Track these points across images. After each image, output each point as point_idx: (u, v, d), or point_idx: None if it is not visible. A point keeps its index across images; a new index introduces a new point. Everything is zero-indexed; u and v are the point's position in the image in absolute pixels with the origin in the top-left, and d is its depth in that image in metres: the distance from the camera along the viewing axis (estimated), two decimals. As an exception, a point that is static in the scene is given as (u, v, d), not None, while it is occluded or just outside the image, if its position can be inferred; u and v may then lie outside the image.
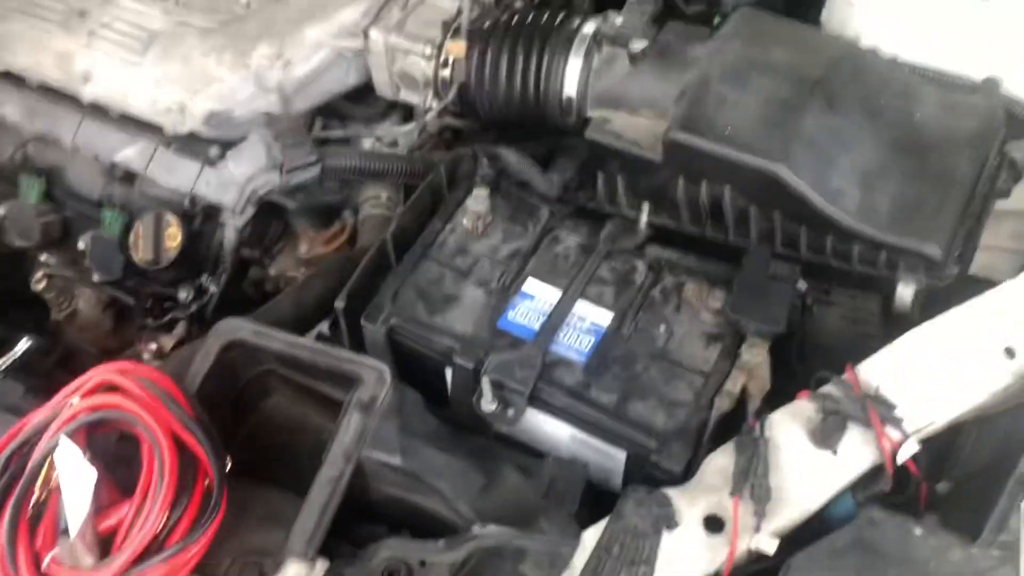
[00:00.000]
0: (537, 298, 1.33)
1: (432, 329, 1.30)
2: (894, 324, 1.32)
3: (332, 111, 1.68)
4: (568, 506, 1.15)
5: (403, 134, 1.63)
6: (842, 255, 1.31)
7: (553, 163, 1.58)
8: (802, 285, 1.27)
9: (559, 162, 1.58)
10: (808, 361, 1.35)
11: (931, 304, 1.28)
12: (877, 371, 1.18)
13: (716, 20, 1.52)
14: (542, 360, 1.25)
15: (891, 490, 1.13)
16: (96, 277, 1.62)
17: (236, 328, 1.20)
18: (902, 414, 1.15)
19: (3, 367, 1.33)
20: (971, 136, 1.32)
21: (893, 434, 1.14)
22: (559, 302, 1.31)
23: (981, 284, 1.30)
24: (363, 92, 1.68)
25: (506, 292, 1.34)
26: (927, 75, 1.45)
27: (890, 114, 1.34)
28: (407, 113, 1.77)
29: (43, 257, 1.69)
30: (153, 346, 1.67)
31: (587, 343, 1.28)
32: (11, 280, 1.84)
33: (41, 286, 1.65)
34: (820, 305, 1.36)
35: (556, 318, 1.29)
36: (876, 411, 1.14)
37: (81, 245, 1.64)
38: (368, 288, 1.37)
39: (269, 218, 1.65)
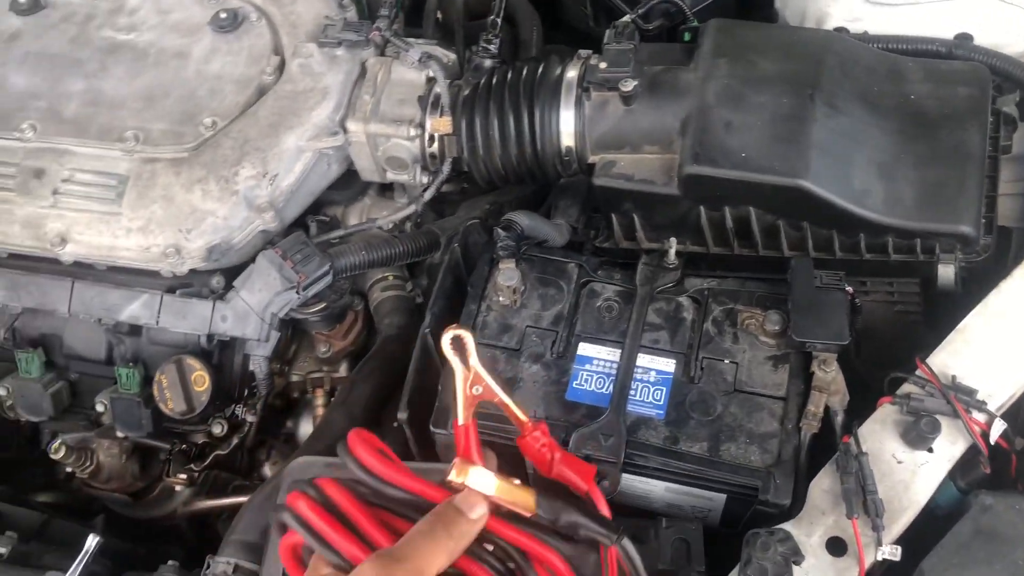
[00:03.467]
0: (596, 360, 1.32)
1: (505, 419, 1.28)
2: (936, 301, 1.37)
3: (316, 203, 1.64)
4: (695, 567, 1.16)
5: (402, 218, 1.59)
6: (877, 249, 1.33)
7: (555, 208, 1.57)
8: (849, 288, 1.29)
9: (560, 206, 1.56)
10: (862, 352, 1.39)
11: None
12: (947, 360, 1.22)
13: (686, 36, 1.51)
14: (624, 425, 1.25)
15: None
16: (121, 435, 1.56)
17: (308, 467, 1.18)
18: (984, 396, 1.19)
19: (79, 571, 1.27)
20: (968, 103, 1.35)
21: (980, 417, 1.18)
22: (620, 361, 1.31)
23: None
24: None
25: (563, 361, 1.33)
26: (900, 47, 1.47)
27: (887, 101, 1.36)
28: (383, 185, 1.73)
29: (57, 428, 1.61)
30: (183, 476, 1.62)
31: (660, 396, 1.28)
32: (22, 449, 1.76)
33: (60, 455, 1.57)
34: (860, 297, 1.39)
35: (623, 378, 1.29)
36: (960, 401, 1.18)
37: (99, 408, 1.56)
38: (420, 389, 1.34)
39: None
